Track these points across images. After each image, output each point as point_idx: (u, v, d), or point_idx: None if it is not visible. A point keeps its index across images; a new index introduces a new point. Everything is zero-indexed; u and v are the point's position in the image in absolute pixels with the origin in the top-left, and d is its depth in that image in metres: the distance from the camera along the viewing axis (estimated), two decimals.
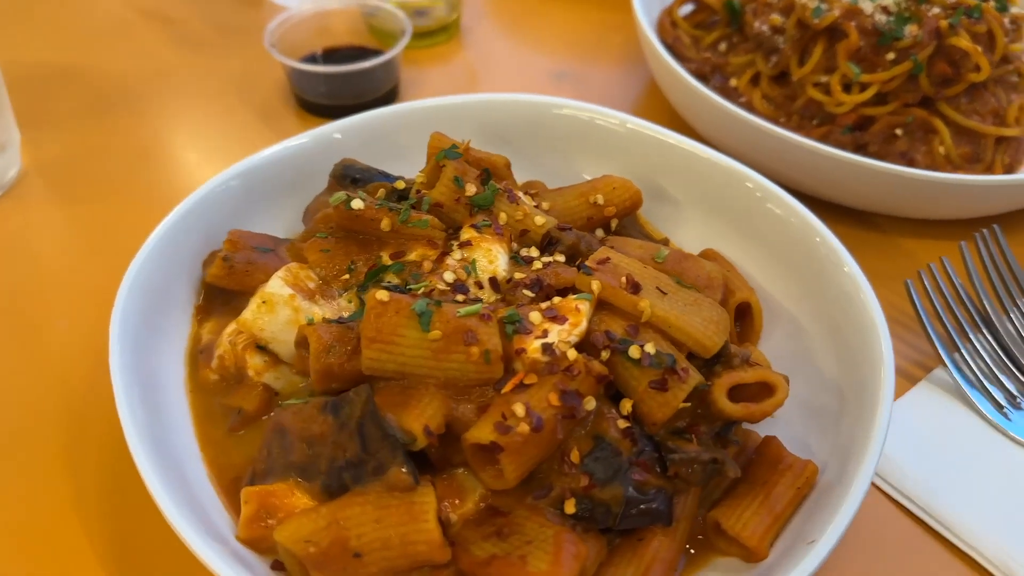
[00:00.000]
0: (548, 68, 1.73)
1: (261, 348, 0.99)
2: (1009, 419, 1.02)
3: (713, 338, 0.91)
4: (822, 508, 0.84)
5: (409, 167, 1.20)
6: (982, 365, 1.07)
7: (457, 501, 0.86)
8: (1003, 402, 1.04)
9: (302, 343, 0.93)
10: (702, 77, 1.52)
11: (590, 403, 0.86)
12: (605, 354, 0.89)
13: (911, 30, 1.33)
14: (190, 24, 1.80)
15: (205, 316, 1.08)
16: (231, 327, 1.02)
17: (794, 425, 0.97)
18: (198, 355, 1.04)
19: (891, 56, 1.34)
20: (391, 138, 1.27)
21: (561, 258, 1.01)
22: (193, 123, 1.57)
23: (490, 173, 1.06)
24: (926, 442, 1.02)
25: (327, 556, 0.79)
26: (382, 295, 0.87)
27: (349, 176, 1.15)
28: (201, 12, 1.84)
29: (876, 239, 1.35)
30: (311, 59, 1.61)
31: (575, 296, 0.93)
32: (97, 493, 1.00)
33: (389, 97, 1.61)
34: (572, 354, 0.87)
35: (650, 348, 0.88)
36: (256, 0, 1.90)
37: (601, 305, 0.93)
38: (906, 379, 1.11)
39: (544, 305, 0.92)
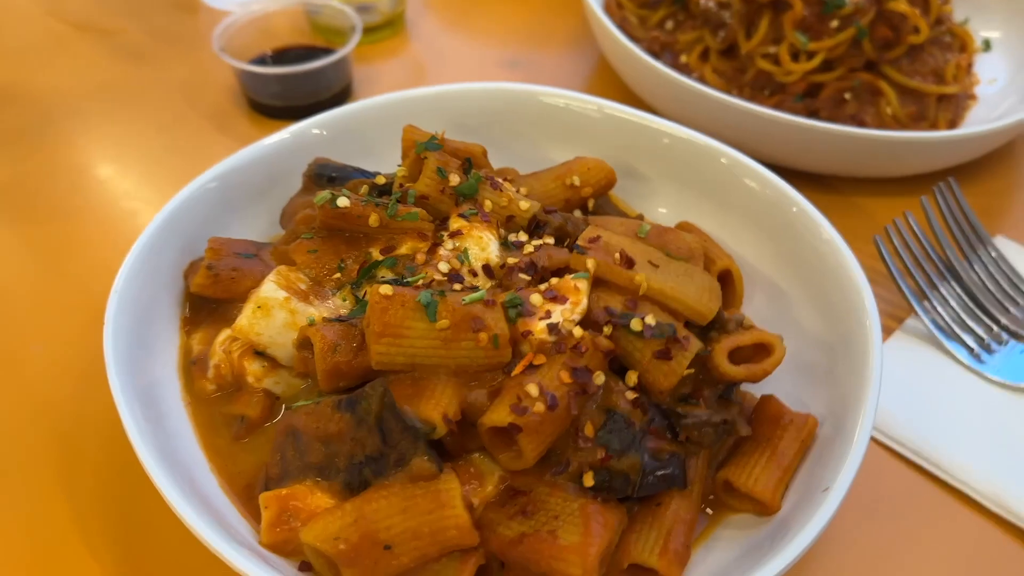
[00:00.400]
0: (498, 56, 1.74)
1: (258, 354, 0.98)
2: (983, 362, 1.08)
3: (709, 305, 0.94)
4: (828, 458, 0.88)
5: (376, 162, 1.21)
6: (952, 313, 1.13)
7: (477, 485, 0.87)
8: (975, 347, 1.10)
9: (304, 344, 0.93)
10: (652, 56, 1.55)
11: (599, 378, 0.88)
12: (607, 329, 0.91)
13: None
14: (127, 35, 1.75)
15: (193, 327, 1.06)
16: (222, 335, 1.01)
17: (785, 382, 1.01)
18: (191, 367, 1.02)
19: (835, 24, 1.39)
20: (357, 134, 1.27)
21: (550, 240, 1.03)
22: (144, 134, 1.53)
23: (472, 162, 1.06)
24: (908, 388, 1.07)
25: (358, 551, 0.80)
26: (385, 289, 0.87)
27: (325, 175, 1.14)
28: (136, 22, 1.79)
29: (835, 201, 1.40)
30: (260, 61, 1.59)
31: (572, 275, 0.94)
32: (100, 514, 0.98)
33: (343, 96, 1.60)
34: (578, 332, 0.89)
35: (651, 320, 0.91)
36: (191, 5, 1.86)
37: (597, 282, 0.95)
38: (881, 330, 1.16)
39: (543, 287, 0.94)
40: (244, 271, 1.04)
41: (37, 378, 1.12)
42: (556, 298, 0.92)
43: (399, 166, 1.11)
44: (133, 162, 1.47)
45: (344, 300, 0.99)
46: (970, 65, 1.54)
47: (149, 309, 1.02)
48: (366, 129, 1.27)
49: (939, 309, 1.13)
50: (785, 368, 1.00)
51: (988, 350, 1.09)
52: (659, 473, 0.86)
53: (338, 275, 1.01)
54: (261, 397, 0.97)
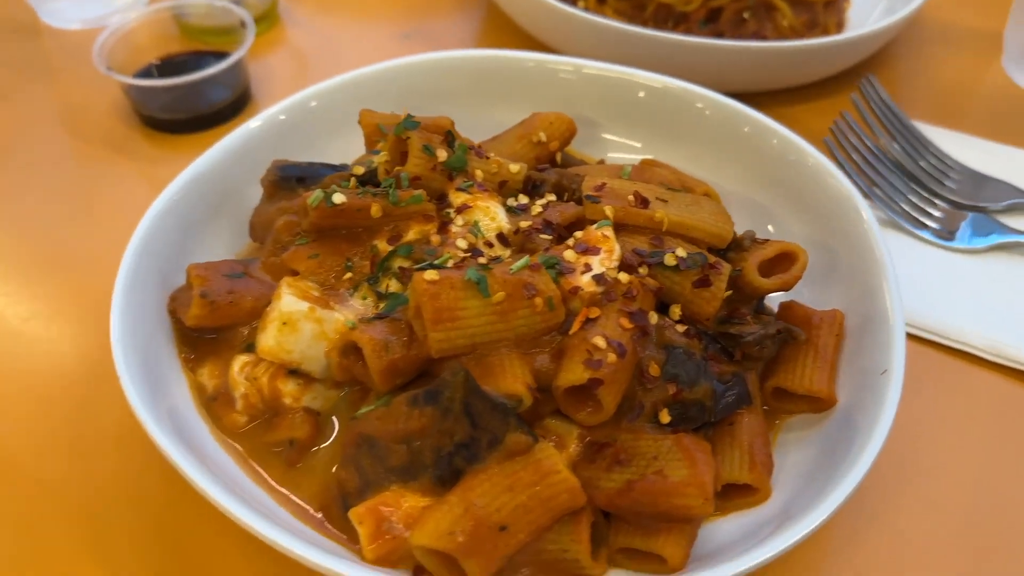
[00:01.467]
0: (388, 31, 1.69)
1: (290, 372, 0.93)
2: (951, 239, 1.18)
3: (726, 227, 0.98)
4: (867, 345, 0.94)
5: (319, 154, 1.16)
6: (907, 200, 1.22)
7: (559, 447, 0.87)
8: (940, 228, 1.19)
9: (347, 351, 0.89)
10: None
11: (653, 317, 0.89)
12: (643, 270, 0.92)
13: None
14: None
15: (196, 363, 0.98)
16: (238, 363, 0.95)
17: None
18: (212, 404, 0.95)
19: None
20: (296, 129, 1.21)
21: (552, 197, 1.02)
22: (36, 175, 1.38)
23: (454, 135, 1.04)
24: None
25: (476, 540, 0.78)
26: (430, 275, 0.84)
27: (292, 177, 1.08)
28: None
29: None
30: (146, 74, 1.47)
31: (594, 225, 0.95)
32: None
33: (244, 98, 1.51)
34: (624, 277, 0.89)
35: (681, 252, 0.93)
36: (32, 29, 1.68)
37: (617, 227, 0.96)
38: None
39: (570, 242, 0.94)
40: (240, 292, 0.98)
41: (28, 456, 1.00)
42: (588, 250, 0.92)
43: (375, 152, 1.07)
44: (33, 205, 1.33)
45: (365, 298, 0.95)
46: None
47: (149, 353, 0.94)
48: (304, 123, 1.21)
49: (894, 198, 1.22)
50: None
51: (951, 228, 1.19)
52: (729, 395, 0.89)
53: (349, 275, 0.96)
54: (304, 416, 0.92)
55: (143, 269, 0.98)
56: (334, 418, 0.93)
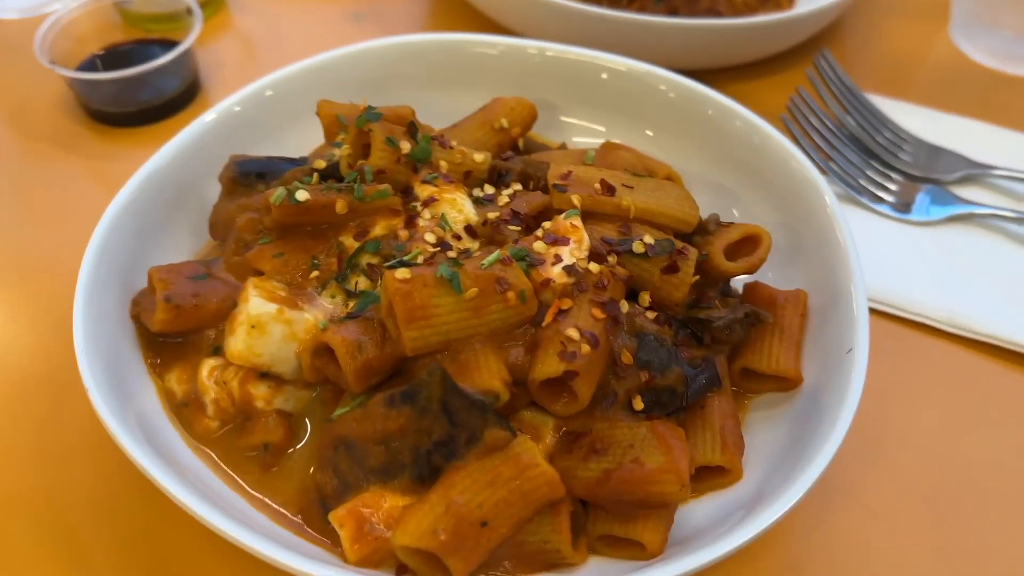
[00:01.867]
0: (339, 12, 1.66)
1: (262, 375, 0.91)
2: (908, 212, 1.20)
3: (692, 212, 0.99)
4: (832, 323, 0.96)
5: (274, 146, 1.14)
6: (864, 176, 1.24)
7: (536, 439, 0.87)
8: (896, 201, 1.22)
9: (319, 352, 0.88)
10: None
11: (624, 306, 0.90)
12: (612, 258, 0.93)
13: None
14: None
15: (163, 368, 0.97)
16: (206, 368, 0.93)
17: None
18: (182, 410, 0.94)
19: None
20: (250, 121, 1.18)
21: (518, 186, 1.02)
22: None
23: (416, 126, 1.03)
24: None
25: (458, 537, 0.78)
26: (402, 273, 0.84)
27: (251, 172, 1.06)
28: None
29: None
30: (90, 66, 1.42)
31: (562, 215, 0.95)
32: None
33: (194, 88, 1.47)
34: (595, 267, 0.90)
35: (649, 239, 0.93)
36: None
37: (584, 216, 0.96)
38: None
39: (539, 233, 0.94)
40: (205, 294, 0.96)
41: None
42: (558, 241, 0.92)
43: (335, 144, 1.06)
44: None
45: (334, 296, 0.94)
46: None
47: (114, 360, 0.92)
48: (260, 114, 1.19)
49: (851, 173, 1.24)
50: None
51: (908, 200, 1.22)
52: (700, 379, 0.91)
53: (316, 273, 0.95)
54: (277, 419, 0.91)
55: (103, 272, 0.96)
56: (307, 419, 0.93)
